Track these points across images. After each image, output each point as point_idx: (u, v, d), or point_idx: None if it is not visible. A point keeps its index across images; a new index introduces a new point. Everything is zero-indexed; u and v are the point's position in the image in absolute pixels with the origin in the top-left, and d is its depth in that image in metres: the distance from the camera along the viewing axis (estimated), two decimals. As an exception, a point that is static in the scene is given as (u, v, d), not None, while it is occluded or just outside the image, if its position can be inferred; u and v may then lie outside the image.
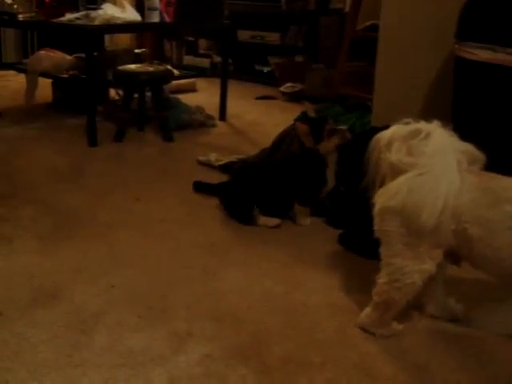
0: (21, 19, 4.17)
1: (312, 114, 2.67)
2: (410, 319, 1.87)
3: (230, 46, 4.68)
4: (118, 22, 3.80)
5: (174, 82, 4.61)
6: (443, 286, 1.86)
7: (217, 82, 4.56)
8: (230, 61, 5.33)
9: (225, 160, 3.32)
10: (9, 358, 1.62)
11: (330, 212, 2.64)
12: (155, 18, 3.95)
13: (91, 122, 3.70)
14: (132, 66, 3.94)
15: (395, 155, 1.63)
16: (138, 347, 1.69)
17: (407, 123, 1.67)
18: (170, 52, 6.89)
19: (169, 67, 4.32)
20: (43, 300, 1.92)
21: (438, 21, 2.90)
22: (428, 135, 1.61)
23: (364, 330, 1.79)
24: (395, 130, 1.67)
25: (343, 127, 2.67)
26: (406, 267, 1.64)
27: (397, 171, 1.63)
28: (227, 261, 2.25)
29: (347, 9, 5.39)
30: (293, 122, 2.61)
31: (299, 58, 5.97)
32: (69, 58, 4.49)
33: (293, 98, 5.32)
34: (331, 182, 2.59)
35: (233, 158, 3.33)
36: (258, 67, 6.34)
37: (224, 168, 3.22)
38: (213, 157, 3.38)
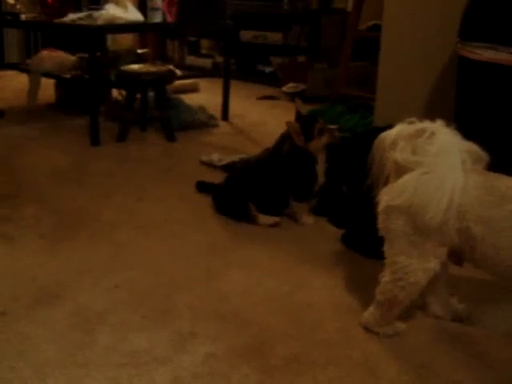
0: (23, 19, 4.18)
1: (303, 111, 2.68)
2: (413, 319, 1.87)
3: (232, 46, 4.69)
4: (121, 22, 3.81)
5: (177, 82, 4.61)
6: (446, 285, 1.85)
7: (219, 82, 4.56)
8: (233, 61, 5.33)
9: (227, 160, 3.32)
10: (12, 358, 1.62)
11: (332, 211, 2.64)
12: (157, 18, 3.95)
13: (94, 122, 3.70)
14: (134, 66, 3.95)
15: (400, 154, 1.63)
16: (142, 347, 1.69)
17: (411, 123, 1.67)
18: (173, 52, 6.90)
19: (171, 67, 4.32)
20: (47, 299, 1.92)
21: (441, 20, 2.89)
22: (432, 134, 1.61)
23: (367, 329, 1.79)
24: (400, 129, 1.67)
25: (333, 126, 2.71)
26: (410, 266, 1.64)
27: (402, 170, 1.63)
28: (230, 261, 2.26)
29: (349, 8, 5.38)
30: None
31: (301, 58, 5.97)
32: (71, 58, 4.49)
33: (295, 98, 5.31)
34: (321, 178, 2.62)
35: (235, 157, 3.33)
36: (260, 67, 6.33)
37: (226, 168, 3.22)
38: (215, 157, 3.38)
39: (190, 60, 6.75)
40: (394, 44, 3.17)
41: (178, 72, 4.54)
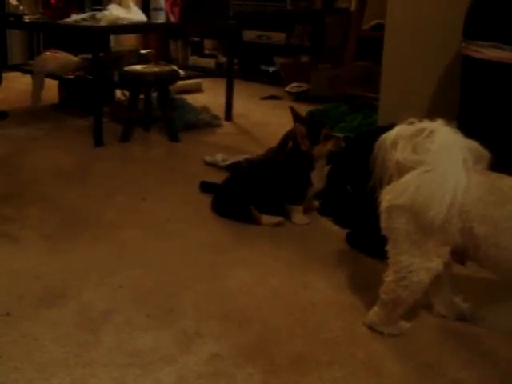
0: (27, 20, 4.19)
1: (300, 113, 2.68)
2: (417, 318, 1.87)
3: (236, 46, 4.69)
4: (124, 22, 3.81)
5: (180, 83, 4.62)
6: (450, 284, 1.85)
7: (222, 82, 4.56)
8: (236, 61, 5.33)
9: (231, 160, 3.32)
10: (17, 358, 1.63)
11: (336, 211, 2.64)
12: (161, 18, 3.96)
13: (97, 123, 3.71)
14: (138, 67, 3.95)
15: (401, 154, 1.63)
16: (146, 346, 1.69)
17: (411, 123, 1.67)
18: (176, 52, 6.90)
19: (175, 67, 4.32)
20: (51, 299, 1.93)
21: (445, 19, 2.89)
22: (432, 133, 1.62)
23: (372, 328, 1.79)
24: (400, 129, 1.68)
25: (339, 135, 2.70)
26: (413, 265, 1.64)
27: (403, 170, 1.63)
28: (234, 260, 2.26)
29: (353, 8, 5.38)
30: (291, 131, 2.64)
31: (305, 58, 5.96)
32: (75, 58, 4.50)
33: (298, 97, 5.32)
34: (318, 183, 2.62)
35: (239, 158, 3.33)
36: (263, 67, 6.33)
37: (230, 168, 3.21)
38: (219, 157, 3.38)
39: (194, 60, 6.75)
40: (398, 43, 3.17)
41: (182, 72, 4.54)
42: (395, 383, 1.58)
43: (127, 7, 4.01)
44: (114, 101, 4.65)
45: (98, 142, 3.72)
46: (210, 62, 6.51)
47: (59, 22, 3.92)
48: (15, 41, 6.23)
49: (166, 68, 4.07)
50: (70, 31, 4.10)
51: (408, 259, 1.64)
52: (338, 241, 2.44)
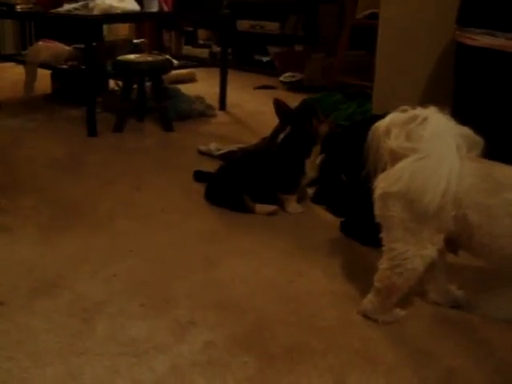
0: (19, 10, 4.15)
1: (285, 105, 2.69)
2: (412, 306, 1.86)
3: (229, 35, 4.67)
4: (117, 11, 3.78)
5: (174, 72, 4.60)
6: (444, 272, 1.85)
7: (216, 71, 4.55)
8: (230, 50, 5.31)
9: (225, 149, 3.31)
10: (11, 348, 1.62)
11: (330, 199, 2.64)
12: (154, 7, 3.94)
13: (91, 113, 3.69)
14: (131, 56, 3.93)
15: (395, 141, 1.63)
16: (141, 335, 1.69)
17: (404, 110, 1.67)
18: (169, 42, 6.88)
19: (168, 57, 4.30)
20: (45, 289, 1.92)
21: (438, 7, 2.88)
22: (425, 120, 1.61)
23: (366, 316, 1.79)
24: (393, 117, 1.67)
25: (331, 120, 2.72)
26: (407, 252, 1.64)
27: (397, 157, 1.63)
28: (228, 250, 2.25)
29: (347, -3, 5.36)
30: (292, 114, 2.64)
31: (299, 47, 5.95)
32: (67, 48, 4.48)
33: (292, 87, 5.30)
34: (310, 172, 2.62)
35: (233, 147, 3.32)
36: (257, 57, 6.32)
37: (224, 157, 3.21)
38: (213, 146, 3.37)
39: (187, 50, 6.73)
40: (391, 31, 3.16)
41: (175, 62, 4.52)
42: (390, 371, 1.58)
43: (120, -4, 3.99)
44: (108, 91, 4.62)
45: (92, 132, 3.70)
46: (203, 52, 6.49)
47: (52, 11, 3.89)
48: (7, 31, 6.19)
49: (160, 58, 4.06)
50: (62, 21, 4.07)
51: (402, 246, 1.64)
52: (332, 229, 2.44)
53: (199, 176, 2.93)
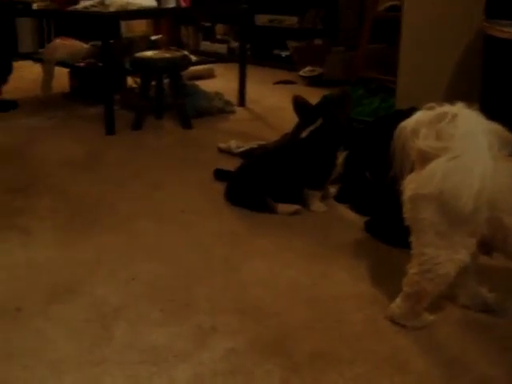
0: (35, 8, 4.13)
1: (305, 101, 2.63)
2: (441, 310, 1.79)
3: (248, 30, 4.60)
4: (134, 8, 3.75)
5: (192, 69, 4.54)
6: (475, 275, 1.78)
7: (235, 67, 4.49)
8: (248, 46, 5.24)
9: (245, 147, 3.25)
10: (28, 355, 1.58)
11: (354, 198, 2.57)
12: (171, 3, 3.89)
13: (109, 111, 3.66)
14: (149, 53, 3.88)
15: (424, 141, 1.56)
16: (161, 343, 1.63)
17: (431, 108, 1.59)
18: (187, 38, 6.83)
19: (186, 53, 4.25)
20: (62, 294, 1.88)
21: (465, -2, 2.80)
22: (454, 117, 1.53)
23: (394, 322, 1.72)
24: (420, 116, 1.60)
25: None
26: (439, 257, 1.56)
27: (426, 158, 1.55)
28: (250, 251, 2.19)
29: (367, -11, 5.27)
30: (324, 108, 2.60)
31: (318, 41, 5.87)
32: (85, 46, 4.44)
33: (312, 82, 5.23)
34: (339, 166, 2.56)
35: (253, 144, 3.26)
36: (276, 51, 6.25)
37: (244, 155, 3.15)
38: (233, 144, 3.32)
39: (205, 45, 6.67)
40: (416, 23, 3.08)
41: (193, 58, 4.47)
42: (420, 380, 1.51)
43: (137, -8, 3.94)
44: (126, 88, 4.58)
45: (110, 130, 3.66)
46: (221, 47, 6.44)
47: (68, 8, 3.86)
48: (25, 29, 6.16)
49: (178, 54, 4.00)
50: (79, 18, 4.04)
51: (434, 251, 1.57)
52: (355, 229, 2.37)
53: (219, 174, 2.88)
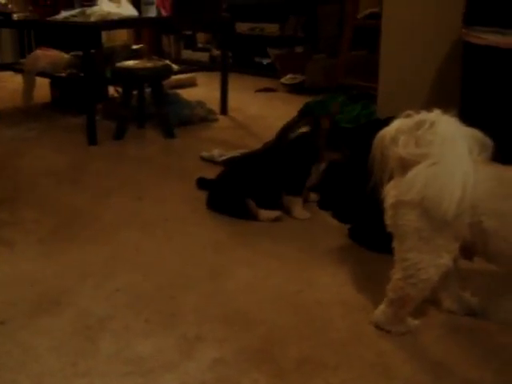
0: (16, 19, 4.11)
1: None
2: (425, 315, 1.81)
3: (229, 38, 4.61)
4: (115, 17, 3.75)
5: (174, 78, 4.55)
6: (458, 279, 1.80)
7: (216, 75, 4.50)
8: (230, 54, 5.26)
9: (228, 155, 3.26)
10: (13, 369, 1.57)
11: (336, 205, 2.58)
12: (152, 12, 3.89)
13: (91, 121, 3.64)
14: (130, 63, 3.88)
15: (404, 149, 1.57)
16: (147, 353, 1.63)
17: (408, 115, 1.61)
18: (168, 47, 6.83)
19: (168, 62, 4.25)
20: (47, 306, 1.87)
21: (443, 5, 2.83)
22: (433, 124, 1.55)
23: (379, 327, 1.73)
24: (399, 123, 1.61)
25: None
26: (422, 262, 1.58)
27: (406, 165, 1.57)
28: (234, 259, 2.20)
29: (346, -3, 5.32)
30: (316, 116, 2.59)
31: (299, 49, 5.90)
32: (66, 56, 4.43)
33: (294, 89, 5.25)
34: (315, 174, 2.60)
35: (236, 152, 3.26)
36: (257, 59, 6.27)
37: (227, 163, 3.15)
38: (216, 152, 3.32)
39: (187, 54, 6.68)
40: (395, 31, 3.11)
41: (175, 67, 4.48)
42: (405, 384, 1.53)
43: (117, 2, 3.94)
44: (107, 98, 4.57)
45: (92, 140, 3.65)
46: (203, 56, 6.45)
47: (49, 19, 3.85)
48: (5, 40, 6.15)
49: (159, 63, 4.01)
50: (59, 28, 4.02)
51: (417, 256, 1.58)
52: (339, 236, 2.39)
53: (202, 183, 2.88)
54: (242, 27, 6.21)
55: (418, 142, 1.57)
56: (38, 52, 4.51)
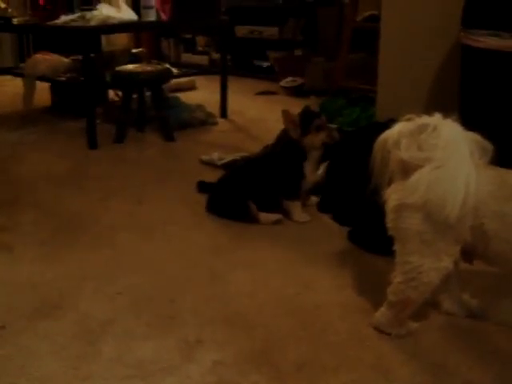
0: (15, 23, 4.12)
1: (315, 109, 2.64)
2: (425, 317, 1.81)
3: (228, 42, 4.63)
4: (114, 21, 3.75)
5: (174, 81, 4.56)
6: (458, 281, 1.80)
7: (216, 78, 4.51)
8: (229, 57, 5.27)
9: (228, 158, 3.26)
10: (14, 373, 1.57)
11: (336, 208, 2.58)
12: (151, 16, 3.90)
13: (91, 125, 3.65)
14: (130, 66, 3.89)
15: (406, 152, 1.58)
16: (148, 357, 1.63)
17: (410, 119, 1.62)
18: (168, 50, 6.84)
19: (167, 66, 4.26)
20: (48, 310, 1.87)
21: (442, 8, 2.83)
22: (435, 128, 1.56)
23: (379, 329, 1.74)
24: (401, 127, 1.62)
25: (332, 126, 2.64)
26: (423, 265, 1.58)
27: (408, 168, 1.58)
28: (234, 262, 2.20)
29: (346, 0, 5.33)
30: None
31: (298, 52, 5.92)
32: (66, 60, 4.44)
33: (293, 92, 5.26)
34: (311, 176, 2.59)
35: (236, 156, 3.27)
36: (257, 62, 6.28)
37: (227, 167, 3.16)
38: (215, 156, 3.33)
39: (186, 57, 6.69)
40: (394, 34, 3.11)
41: (174, 70, 4.48)
42: (405, 386, 1.53)
43: (117, 6, 3.96)
44: (107, 102, 4.58)
45: (92, 144, 3.66)
46: (202, 59, 6.46)
47: (48, 23, 3.86)
48: (5, 44, 6.16)
49: (159, 67, 4.02)
50: (59, 32, 4.03)
51: (418, 260, 1.59)
52: (338, 238, 2.39)
53: (202, 187, 2.89)
54: (242, 30, 6.23)
55: (420, 145, 1.58)
56: (38, 56, 4.52)
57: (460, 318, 1.82)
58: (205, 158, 3.36)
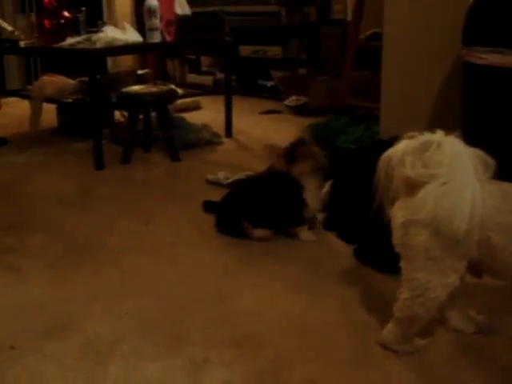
0: (22, 46, 4.16)
1: (307, 138, 2.64)
2: (432, 334, 1.81)
3: (232, 62, 4.66)
4: (120, 43, 3.79)
5: (179, 101, 4.60)
6: (464, 298, 1.80)
7: (221, 98, 4.54)
8: (233, 77, 5.31)
9: (233, 178, 3.28)
10: (23, 395, 1.58)
11: (341, 226, 2.59)
12: (156, 38, 3.93)
13: (97, 146, 3.68)
14: (136, 88, 3.93)
15: (411, 170, 1.59)
16: (155, 377, 1.64)
17: (412, 137, 1.63)
18: (173, 71, 6.89)
19: (173, 87, 4.30)
20: (56, 331, 1.88)
21: (444, 26, 2.86)
22: (440, 145, 1.58)
23: (386, 347, 1.74)
24: (405, 145, 1.63)
25: (319, 151, 2.59)
26: (430, 282, 1.59)
27: (414, 185, 1.58)
28: (241, 282, 2.21)
29: (348, 18, 5.37)
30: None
31: (302, 71, 5.94)
32: (72, 82, 4.47)
33: (298, 111, 5.29)
34: (314, 203, 2.56)
35: (241, 175, 3.29)
36: (261, 82, 6.31)
37: (233, 186, 3.17)
38: (221, 175, 3.34)
39: (191, 78, 6.73)
40: (396, 52, 3.13)
41: (180, 91, 4.52)
42: (414, 405, 1.53)
43: (122, 28, 4.00)
44: (114, 123, 4.62)
45: (99, 164, 3.68)
46: (207, 79, 6.50)
47: (55, 45, 3.90)
48: (12, 66, 6.21)
49: (164, 88, 4.05)
50: (66, 55, 4.07)
51: (425, 276, 1.59)
52: (344, 257, 2.40)
53: (208, 206, 2.90)
54: (245, 50, 6.27)
55: (425, 162, 1.59)
56: (45, 78, 4.56)
57: (467, 334, 1.81)
58: (211, 177, 3.38)
